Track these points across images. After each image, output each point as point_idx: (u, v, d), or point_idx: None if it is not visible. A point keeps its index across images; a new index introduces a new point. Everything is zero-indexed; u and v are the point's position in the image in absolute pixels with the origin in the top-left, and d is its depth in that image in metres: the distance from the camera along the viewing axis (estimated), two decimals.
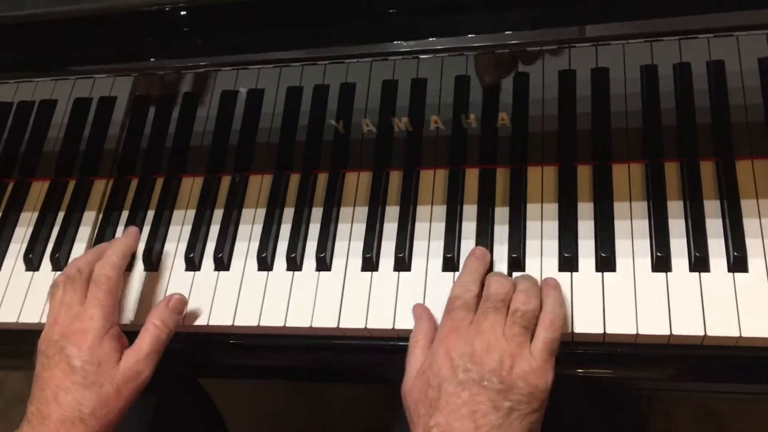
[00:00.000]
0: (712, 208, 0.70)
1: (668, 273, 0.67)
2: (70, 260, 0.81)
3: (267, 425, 0.99)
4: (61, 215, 0.85)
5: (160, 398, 0.85)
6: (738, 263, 0.66)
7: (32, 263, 0.82)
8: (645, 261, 0.69)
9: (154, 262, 0.79)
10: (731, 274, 0.66)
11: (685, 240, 0.69)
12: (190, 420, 0.91)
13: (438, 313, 0.68)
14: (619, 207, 0.72)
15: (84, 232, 0.84)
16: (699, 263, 0.67)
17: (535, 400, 0.59)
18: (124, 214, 0.84)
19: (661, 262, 0.68)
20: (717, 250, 0.67)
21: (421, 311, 0.68)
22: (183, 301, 0.73)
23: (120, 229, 0.83)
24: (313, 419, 1.09)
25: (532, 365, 0.59)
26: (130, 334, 0.70)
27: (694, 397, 1.28)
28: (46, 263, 0.82)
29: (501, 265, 0.71)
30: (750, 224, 0.68)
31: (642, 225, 0.71)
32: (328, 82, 0.77)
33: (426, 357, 0.62)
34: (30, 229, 0.85)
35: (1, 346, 0.82)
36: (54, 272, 0.81)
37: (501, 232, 0.73)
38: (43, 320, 0.71)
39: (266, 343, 0.76)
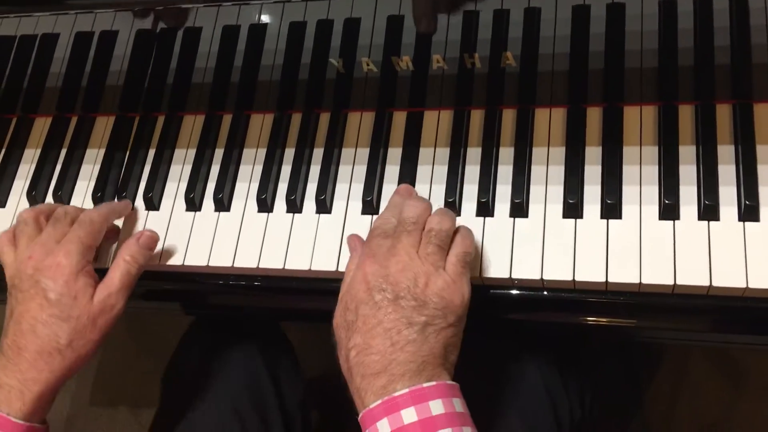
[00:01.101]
0: (725, 153, 0.66)
1: (676, 221, 0.65)
2: (72, 197, 0.82)
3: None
4: (63, 152, 0.85)
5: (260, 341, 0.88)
6: (749, 212, 0.63)
7: (35, 200, 0.82)
8: (653, 208, 0.66)
9: (155, 201, 0.79)
10: (741, 223, 0.64)
11: (695, 187, 0.66)
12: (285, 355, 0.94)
13: None
14: (629, 152, 0.69)
15: (86, 170, 0.83)
16: (708, 211, 0.64)
17: (452, 314, 0.59)
18: (126, 152, 0.83)
19: (669, 210, 0.65)
20: (728, 198, 0.65)
21: (355, 242, 0.68)
22: (154, 238, 0.73)
23: (122, 167, 0.82)
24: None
25: (447, 281, 0.59)
26: None
27: (704, 346, 1.27)
28: (49, 200, 0.82)
29: (503, 207, 0.69)
30: (764, 171, 0.65)
31: (651, 171, 0.68)
32: (332, 17, 0.74)
33: (343, 284, 0.62)
34: (33, 166, 0.84)
35: None
36: None
37: (505, 175, 0.71)
38: None
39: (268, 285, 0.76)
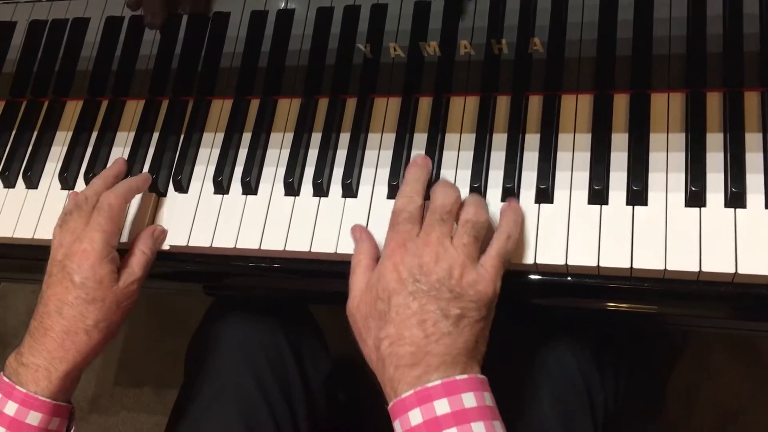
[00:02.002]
0: (753, 141, 0.66)
1: (702, 208, 0.65)
2: None
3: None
4: (94, 135, 0.86)
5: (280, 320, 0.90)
6: None
7: (67, 182, 0.84)
8: (679, 195, 0.66)
9: (183, 184, 0.80)
10: (767, 210, 0.63)
11: (722, 175, 0.66)
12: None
13: None
14: (655, 138, 0.69)
15: (117, 153, 0.84)
16: (735, 199, 0.64)
17: (484, 307, 0.59)
18: (155, 136, 0.84)
19: (696, 197, 0.65)
20: (755, 185, 0.64)
21: (360, 232, 0.69)
22: (165, 233, 0.77)
23: (151, 150, 0.83)
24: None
25: (481, 273, 0.60)
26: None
27: (726, 334, 1.26)
28: (80, 182, 0.84)
29: (529, 193, 0.70)
30: None
31: (678, 158, 0.68)
32: (359, 3, 0.75)
33: (373, 273, 0.62)
34: (65, 149, 0.86)
35: (39, 261, 0.84)
36: None
37: (530, 161, 0.71)
38: None
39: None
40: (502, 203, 0.69)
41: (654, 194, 0.67)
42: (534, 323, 0.81)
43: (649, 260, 0.64)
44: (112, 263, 0.69)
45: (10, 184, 0.86)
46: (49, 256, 0.71)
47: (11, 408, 0.65)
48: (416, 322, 0.58)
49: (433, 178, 0.72)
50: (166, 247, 0.77)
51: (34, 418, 0.65)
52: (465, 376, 0.57)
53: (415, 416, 0.56)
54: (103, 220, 0.70)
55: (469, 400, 0.56)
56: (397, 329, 0.58)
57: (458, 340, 0.58)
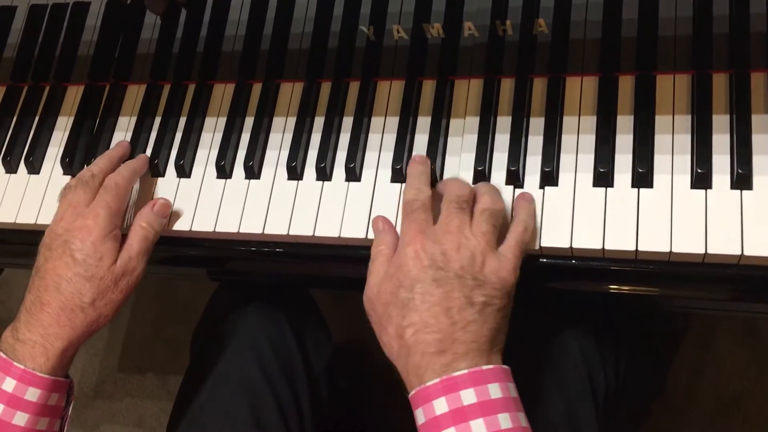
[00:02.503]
0: (760, 122, 0.66)
1: (708, 190, 0.65)
2: None
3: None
4: (96, 120, 0.85)
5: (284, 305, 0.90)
6: None
7: (69, 167, 0.83)
8: (684, 177, 0.66)
9: (186, 169, 0.79)
10: None
11: (728, 156, 0.65)
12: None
13: None
14: (661, 121, 0.68)
15: (119, 137, 0.84)
16: (741, 180, 0.64)
17: (506, 296, 0.60)
18: (157, 120, 0.83)
19: (702, 179, 0.65)
20: (762, 167, 0.64)
21: (383, 223, 0.68)
22: (167, 206, 0.75)
23: (153, 135, 0.83)
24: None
25: (502, 261, 0.60)
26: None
27: (730, 316, 1.26)
28: (82, 168, 0.83)
29: (533, 176, 0.69)
30: None
31: (684, 140, 0.67)
32: None
33: (392, 262, 0.62)
34: (67, 134, 0.85)
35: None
36: None
37: (535, 144, 0.71)
38: None
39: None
40: (517, 192, 0.69)
41: (659, 176, 0.66)
42: (536, 306, 0.81)
43: (654, 242, 0.64)
44: (114, 241, 0.69)
45: (12, 169, 0.85)
46: None
47: (9, 384, 0.65)
48: (442, 309, 0.57)
49: (438, 162, 0.72)
50: (180, 228, 0.76)
51: (32, 394, 0.65)
52: (491, 366, 0.57)
53: (441, 405, 0.55)
54: (110, 198, 0.70)
55: (495, 390, 0.56)
56: (421, 317, 0.58)
57: (484, 328, 0.58)
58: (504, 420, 0.55)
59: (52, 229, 0.70)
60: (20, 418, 0.65)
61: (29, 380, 0.65)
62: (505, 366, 0.59)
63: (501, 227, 0.64)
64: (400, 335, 0.59)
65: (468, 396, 0.55)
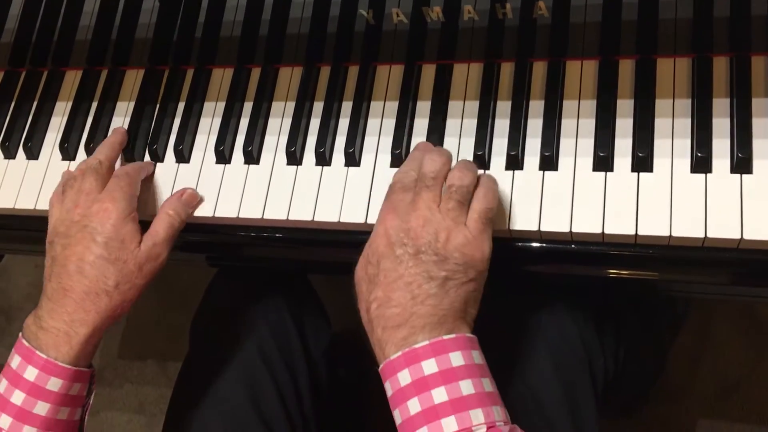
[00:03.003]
0: (760, 106, 0.65)
1: (708, 174, 0.64)
2: None
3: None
4: (94, 105, 0.85)
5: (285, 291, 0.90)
6: None
7: (68, 153, 0.83)
8: (684, 161, 0.66)
9: (185, 154, 0.79)
10: None
11: (728, 140, 0.65)
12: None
13: None
14: (661, 104, 0.68)
15: (117, 123, 0.84)
16: (741, 164, 0.64)
17: (472, 270, 0.60)
18: (156, 106, 0.83)
19: (702, 163, 0.65)
20: (762, 151, 0.64)
21: None
22: (195, 196, 0.75)
23: (152, 120, 0.82)
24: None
25: (468, 237, 0.60)
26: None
27: (728, 300, 1.26)
28: (81, 153, 0.83)
29: (533, 160, 0.69)
30: None
31: (684, 123, 0.67)
32: None
33: (368, 241, 0.63)
34: (65, 119, 0.85)
35: (42, 233, 0.84)
36: None
37: (535, 128, 0.70)
38: None
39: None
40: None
41: (659, 160, 0.66)
42: (536, 290, 0.81)
43: (654, 227, 0.64)
44: (134, 222, 0.68)
45: (10, 155, 0.85)
46: None
47: (31, 373, 0.64)
48: (403, 284, 0.58)
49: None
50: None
51: (54, 384, 0.64)
52: (453, 336, 0.57)
53: (404, 377, 0.56)
54: (124, 183, 0.70)
55: (456, 359, 0.56)
56: (384, 292, 0.59)
57: (444, 301, 0.58)
58: (466, 386, 0.55)
59: (67, 217, 0.69)
60: (41, 408, 0.64)
61: (51, 370, 0.64)
62: (470, 335, 0.59)
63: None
64: (368, 309, 0.60)
65: (429, 366, 0.56)
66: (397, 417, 0.57)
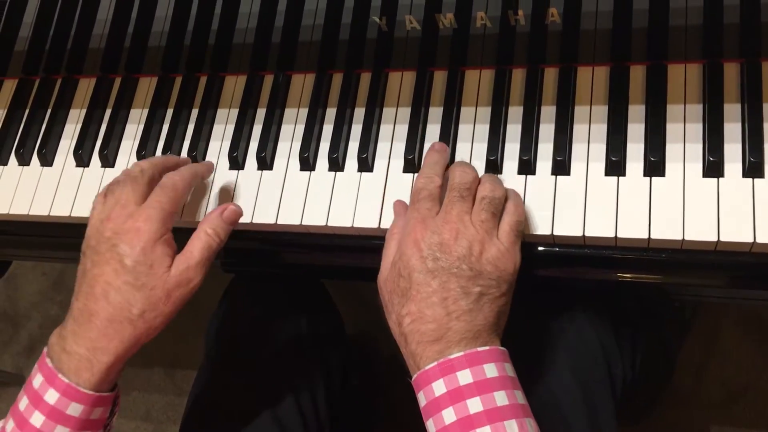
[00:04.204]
0: None
1: (720, 178, 0.65)
2: (117, 157, 0.83)
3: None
4: (108, 112, 0.86)
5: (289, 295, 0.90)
6: None
7: (82, 159, 0.84)
8: (696, 166, 0.66)
9: (199, 161, 0.80)
10: None
11: (740, 145, 0.66)
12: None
13: None
14: (672, 110, 0.69)
15: (131, 129, 0.84)
16: (753, 168, 0.64)
17: (504, 284, 0.60)
18: (169, 112, 0.84)
19: (714, 167, 0.65)
20: None
21: (400, 207, 0.69)
22: (238, 213, 0.70)
23: (165, 127, 0.83)
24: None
25: (501, 249, 0.60)
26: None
27: (740, 304, 1.27)
28: (95, 160, 0.84)
29: (545, 165, 0.70)
30: None
31: (695, 129, 0.68)
32: None
33: (397, 250, 0.62)
34: (79, 126, 0.86)
35: (55, 239, 0.85)
36: (103, 168, 0.83)
37: (547, 134, 0.71)
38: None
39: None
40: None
41: (671, 165, 0.67)
42: (553, 296, 0.81)
43: (667, 231, 0.64)
44: (165, 245, 0.63)
45: (24, 161, 0.86)
46: (83, 234, 0.66)
47: (52, 396, 0.61)
48: (438, 300, 0.58)
49: (450, 153, 0.72)
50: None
51: (75, 409, 0.61)
52: (487, 348, 0.58)
53: (439, 387, 0.56)
54: (165, 199, 0.65)
55: (491, 370, 0.57)
56: (418, 307, 0.59)
57: (479, 317, 0.58)
58: (500, 397, 0.56)
59: (100, 230, 0.64)
60: None
61: (73, 395, 0.61)
62: (502, 348, 0.59)
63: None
64: (399, 323, 0.60)
65: (464, 376, 0.56)
66: (431, 427, 0.56)
